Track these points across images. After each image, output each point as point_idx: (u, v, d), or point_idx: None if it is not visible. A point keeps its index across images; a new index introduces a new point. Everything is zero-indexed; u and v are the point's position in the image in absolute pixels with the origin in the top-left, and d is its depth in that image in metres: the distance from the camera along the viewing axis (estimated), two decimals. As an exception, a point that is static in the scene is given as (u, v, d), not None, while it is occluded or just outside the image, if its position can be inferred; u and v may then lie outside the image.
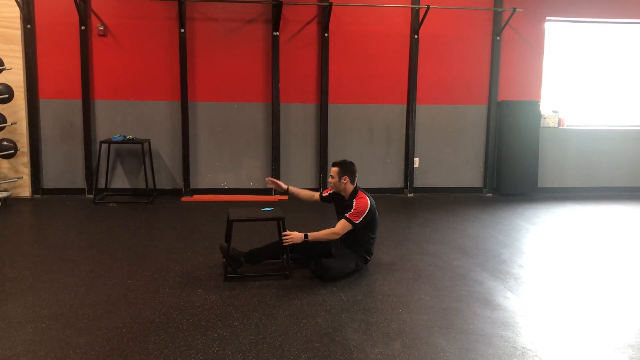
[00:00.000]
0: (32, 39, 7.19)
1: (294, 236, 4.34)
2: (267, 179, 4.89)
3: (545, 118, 8.18)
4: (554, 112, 8.24)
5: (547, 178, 8.28)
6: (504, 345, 3.32)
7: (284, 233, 4.36)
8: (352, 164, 4.59)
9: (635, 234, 6.09)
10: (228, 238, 4.48)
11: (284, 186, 4.83)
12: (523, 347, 3.30)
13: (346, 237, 4.56)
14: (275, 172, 7.68)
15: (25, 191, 7.37)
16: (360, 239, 4.57)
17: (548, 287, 4.36)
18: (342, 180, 4.54)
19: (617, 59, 8.45)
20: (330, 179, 4.62)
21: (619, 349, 3.31)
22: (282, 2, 7.11)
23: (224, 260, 4.46)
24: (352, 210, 4.45)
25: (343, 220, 4.45)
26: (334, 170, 4.58)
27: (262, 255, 4.57)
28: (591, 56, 8.40)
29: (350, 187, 4.57)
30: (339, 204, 4.70)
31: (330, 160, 7.78)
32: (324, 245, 4.57)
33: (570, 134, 8.28)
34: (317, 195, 4.91)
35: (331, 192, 4.76)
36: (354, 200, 4.50)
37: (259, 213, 4.68)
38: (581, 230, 6.18)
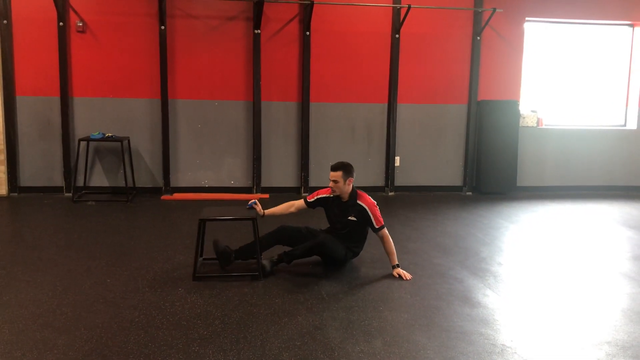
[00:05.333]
0: (9, 34, 7.07)
1: (405, 274, 4.47)
2: (252, 201, 4.62)
3: (524, 117, 8.26)
4: (533, 111, 8.34)
5: (526, 177, 8.37)
6: (483, 343, 3.35)
7: (402, 276, 4.44)
8: (351, 165, 4.56)
9: (611, 232, 6.19)
10: (200, 237, 4.44)
11: (261, 212, 4.63)
12: (502, 344, 3.34)
13: (346, 235, 4.59)
14: (257, 171, 7.66)
15: (2, 189, 7.25)
16: (360, 236, 4.65)
17: (527, 284, 4.41)
18: (347, 182, 4.50)
19: (595, 60, 8.58)
20: (332, 184, 4.49)
21: (596, 345, 3.36)
22: (263, -1, 7.09)
23: (216, 256, 4.44)
24: (371, 217, 4.49)
25: (382, 231, 4.51)
26: (336, 175, 4.46)
27: (251, 250, 4.52)
28: (569, 56, 8.51)
29: (350, 188, 4.56)
30: (333, 206, 4.63)
31: (312, 159, 7.79)
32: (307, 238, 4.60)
33: (548, 133, 8.38)
34: (297, 203, 4.75)
35: (320, 196, 4.69)
36: (359, 202, 4.51)
37: (232, 212, 4.65)
38: (559, 229, 6.27)
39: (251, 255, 4.53)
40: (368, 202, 4.54)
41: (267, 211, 4.70)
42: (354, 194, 4.56)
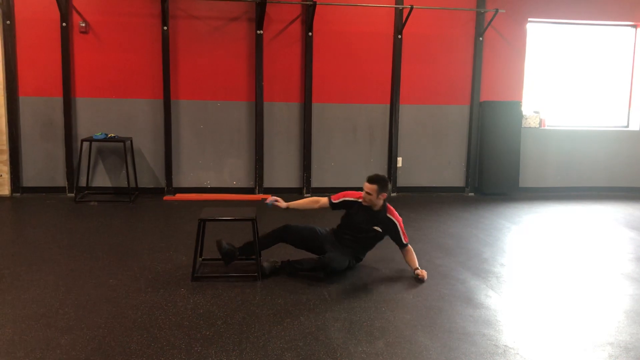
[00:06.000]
0: (12, 35, 7.08)
1: (424, 274, 4.48)
2: (270, 199, 4.60)
3: (526, 118, 8.26)
4: (535, 112, 8.33)
5: (528, 178, 8.36)
6: (486, 344, 3.35)
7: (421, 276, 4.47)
8: (388, 180, 4.54)
9: (614, 233, 6.18)
10: (200, 237, 4.43)
11: (284, 205, 4.59)
12: (505, 345, 3.33)
13: (361, 242, 4.57)
14: (259, 172, 7.66)
15: (5, 189, 7.26)
16: (372, 245, 4.66)
17: (529, 285, 4.40)
18: (380, 196, 4.48)
19: (598, 61, 8.57)
20: (365, 195, 4.47)
21: (599, 346, 3.36)
22: (266, 0, 7.09)
23: (220, 256, 4.42)
24: (400, 233, 4.53)
25: (408, 247, 4.60)
26: (371, 187, 4.43)
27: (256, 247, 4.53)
28: (572, 57, 8.50)
29: (381, 202, 4.54)
30: (360, 211, 4.58)
31: (314, 160, 7.80)
32: (317, 243, 4.60)
33: (551, 134, 8.38)
34: (322, 201, 4.66)
35: (347, 199, 4.62)
36: (389, 215, 4.53)
37: (231, 212, 4.66)
38: (561, 230, 6.26)
39: (266, 245, 4.56)
40: (397, 217, 4.57)
41: (291, 204, 4.63)
42: (384, 207, 4.57)
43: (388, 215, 4.54)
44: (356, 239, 4.60)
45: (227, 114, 7.63)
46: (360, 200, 4.56)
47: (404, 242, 4.57)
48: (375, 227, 4.53)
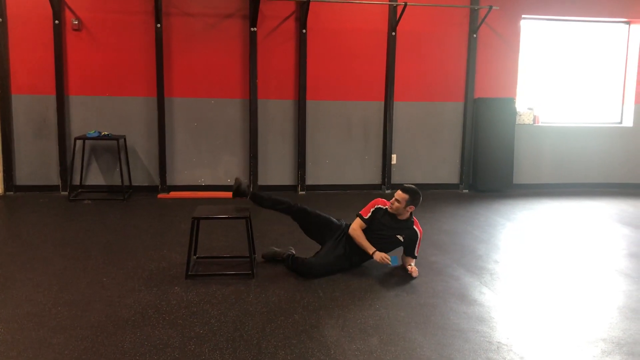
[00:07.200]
0: (4, 32, 7.04)
1: (415, 270, 4.48)
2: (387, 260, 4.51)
3: (520, 115, 8.27)
4: (529, 109, 8.35)
5: (522, 174, 8.38)
6: (479, 340, 3.36)
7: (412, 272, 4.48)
8: (420, 195, 4.56)
9: (607, 229, 6.20)
10: (194, 235, 4.42)
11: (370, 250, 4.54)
12: (498, 342, 3.34)
13: (376, 247, 4.53)
14: (253, 169, 7.65)
15: (-2, 188, 7.24)
16: (385, 251, 4.62)
17: (523, 282, 4.42)
18: (408, 208, 4.51)
19: (591, 57, 8.58)
20: (394, 202, 4.51)
21: (591, 342, 3.37)
22: (259, -3, 7.07)
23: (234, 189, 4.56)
24: (417, 245, 4.56)
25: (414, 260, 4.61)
26: (402, 196, 4.48)
27: (268, 202, 4.65)
28: (566, 54, 8.52)
29: (407, 214, 4.58)
30: (386, 217, 4.59)
31: (309, 157, 7.79)
32: (324, 233, 4.63)
33: (545, 131, 8.39)
34: (361, 223, 4.60)
35: (377, 207, 4.61)
36: (415, 227, 4.57)
37: (225, 210, 4.65)
38: (556, 226, 6.27)
39: (271, 206, 4.65)
40: (420, 230, 4.61)
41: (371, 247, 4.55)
42: (410, 218, 4.60)
43: (413, 226, 4.58)
44: (372, 243, 4.56)
45: (221, 111, 7.61)
46: (387, 207, 4.61)
47: (415, 254, 4.59)
48: (398, 236, 4.55)
